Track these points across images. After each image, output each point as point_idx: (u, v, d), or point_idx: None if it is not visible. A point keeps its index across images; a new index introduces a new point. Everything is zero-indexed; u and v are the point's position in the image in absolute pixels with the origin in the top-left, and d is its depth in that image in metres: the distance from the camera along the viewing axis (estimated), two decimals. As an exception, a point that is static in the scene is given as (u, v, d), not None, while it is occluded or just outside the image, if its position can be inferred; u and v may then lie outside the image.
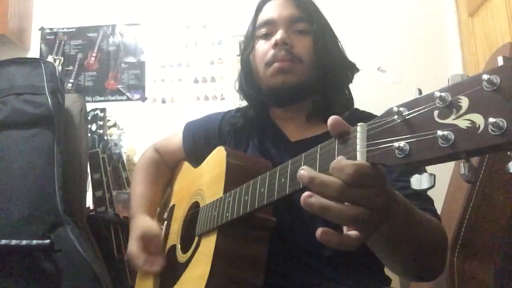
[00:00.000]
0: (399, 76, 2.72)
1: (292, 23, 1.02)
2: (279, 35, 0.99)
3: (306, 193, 0.52)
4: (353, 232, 0.53)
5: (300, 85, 0.99)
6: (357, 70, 1.08)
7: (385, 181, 0.53)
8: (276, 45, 0.99)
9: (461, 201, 1.18)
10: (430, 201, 0.88)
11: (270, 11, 1.04)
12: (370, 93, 2.12)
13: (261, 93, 1.05)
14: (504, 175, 1.14)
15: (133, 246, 1.09)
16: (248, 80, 1.09)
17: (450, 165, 1.37)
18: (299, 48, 1.00)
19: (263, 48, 1.03)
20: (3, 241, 1.13)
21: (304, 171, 0.53)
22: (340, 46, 1.09)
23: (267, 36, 1.03)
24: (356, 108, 1.07)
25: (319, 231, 0.52)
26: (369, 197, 0.51)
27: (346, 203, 0.52)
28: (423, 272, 0.77)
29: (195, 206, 1.03)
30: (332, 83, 1.02)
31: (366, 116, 1.02)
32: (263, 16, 1.06)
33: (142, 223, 1.13)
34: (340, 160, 0.52)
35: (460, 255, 1.17)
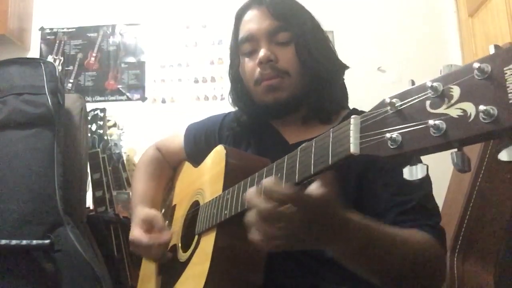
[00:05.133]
0: (399, 76, 2.72)
1: (272, 35, 1.00)
2: (261, 53, 0.98)
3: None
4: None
5: (292, 98, 0.99)
6: (347, 67, 1.07)
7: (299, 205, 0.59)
8: (260, 63, 0.98)
9: (461, 201, 1.18)
10: (430, 214, 0.86)
11: (249, 25, 1.03)
12: (370, 93, 2.11)
13: (255, 106, 1.06)
14: (504, 175, 1.14)
15: (135, 231, 1.07)
16: (240, 95, 1.09)
17: (450, 166, 1.37)
18: (283, 61, 0.99)
19: (249, 66, 1.02)
20: (3, 241, 1.13)
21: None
22: (327, 45, 1.07)
23: (251, 54, 1.02)
24: (354, 108, 1.07)
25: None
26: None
27: None
28: None
29: (195, 205, 1.03)
30: (323, 86, 1.01)
31: None
32: (243, 31, 1.04)
33: (141, 211, 1.12)
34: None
35: (460, 255, 1.17)
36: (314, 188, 0.60)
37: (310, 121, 1.03)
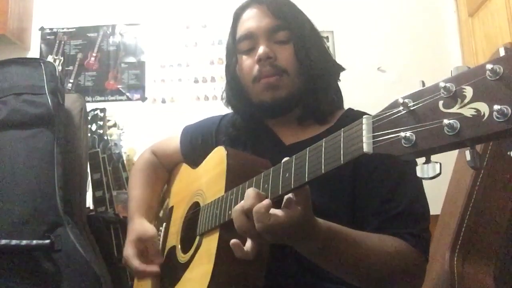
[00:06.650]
0: (399, 76, 2.72)
1: (271, 33, 1.00)
2: (261, 50, 0.98)
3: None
4: (248, 245, 0.72)
5: (290, 97, 0.99)
6: (343, 69, 1.08)
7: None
8: (260, 60, 0.98)
9: (461, 201, 1.18)
10: (414, 221, 0.87)
11: (248, 23, 1.03)
12: (370, 93, 2.12)
13: (251, 105, 1.05)
14: (504, 175, 1.14)
15: (128, 250, 1.08)
16: (236, 94, 1.08)
17: (450, 166, 1.37)
18: (282, 60, 0.99)
19: (248, 64, 1.02)
20: (3, 241, 1.13)
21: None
22: (324, 47, 1.07)
23: (249, 51, 1.02)
24: (350, 108, 1.07)
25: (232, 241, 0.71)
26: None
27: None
28: None
29: (195, 206, 1.02)
30: (320, 87, 1.01)
31: (361, 115, 1.02)
32: (242, 29, 1.04)
33: (138, 226, 1.12)
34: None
35: (460, 255, 1.17)
36: (290, 207, 0.66)
37: (305, 122, 1.03)
